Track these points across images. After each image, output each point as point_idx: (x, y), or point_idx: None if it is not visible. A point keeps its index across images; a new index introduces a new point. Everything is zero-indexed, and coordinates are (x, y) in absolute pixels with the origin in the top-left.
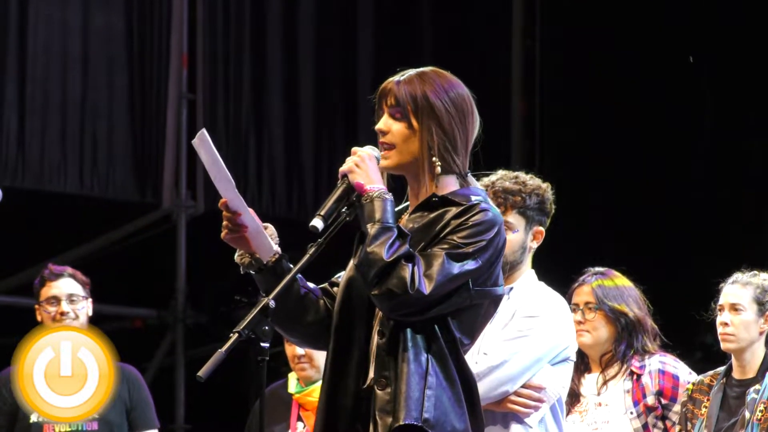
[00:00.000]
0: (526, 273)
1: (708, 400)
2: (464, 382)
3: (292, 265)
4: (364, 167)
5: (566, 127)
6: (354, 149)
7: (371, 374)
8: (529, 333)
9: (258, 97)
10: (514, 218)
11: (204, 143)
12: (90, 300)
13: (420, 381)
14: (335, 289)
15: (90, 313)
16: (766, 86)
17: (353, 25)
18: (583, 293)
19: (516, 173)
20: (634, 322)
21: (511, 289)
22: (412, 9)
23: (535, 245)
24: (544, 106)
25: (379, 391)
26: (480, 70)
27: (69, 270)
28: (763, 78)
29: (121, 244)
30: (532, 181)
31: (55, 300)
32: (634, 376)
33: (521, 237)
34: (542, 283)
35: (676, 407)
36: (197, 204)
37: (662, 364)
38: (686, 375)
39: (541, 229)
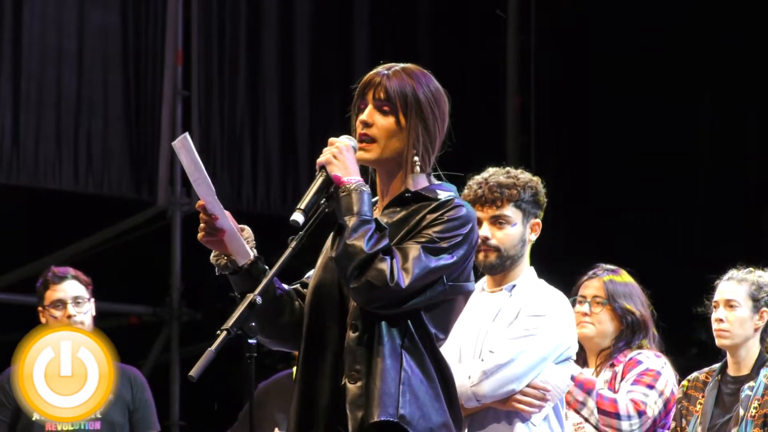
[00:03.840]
0: (527, 270)
1: (703, 396)
2: (442, 377)
3: (267, 267)
4: (342, 158)
5: (561, 122)
6: (331, 140)
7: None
8: (536, 332)
9: (253, 94)
10: (511, 211)
11: (186, 147)
12: (93, 300)
13: (395, 376)
14: (305, 290)
15: (94, 314)
16: (767, 86)
17: (349, 21)
18: (593, 286)
19: (507, 168)
20: (639, 321)
21: (513, 286)
22: (407, 6)
23: (533, 237)
24: (539, 101)
25: (350, 385)
26: (475, 66)
27: (72, 271)
28: (764, 79)
29: (117, 241)
30: (523, 175)
31: (61, 303)
32: (614, 367)
33: (520, 230)
34: (542, 281)
35: (624, 384)
36: (192, 201)
37: (637, 354)
38: (653, 363)
39: (538, 221)
